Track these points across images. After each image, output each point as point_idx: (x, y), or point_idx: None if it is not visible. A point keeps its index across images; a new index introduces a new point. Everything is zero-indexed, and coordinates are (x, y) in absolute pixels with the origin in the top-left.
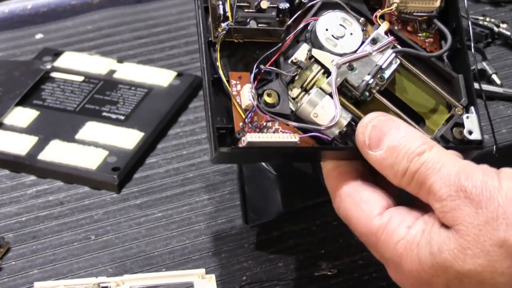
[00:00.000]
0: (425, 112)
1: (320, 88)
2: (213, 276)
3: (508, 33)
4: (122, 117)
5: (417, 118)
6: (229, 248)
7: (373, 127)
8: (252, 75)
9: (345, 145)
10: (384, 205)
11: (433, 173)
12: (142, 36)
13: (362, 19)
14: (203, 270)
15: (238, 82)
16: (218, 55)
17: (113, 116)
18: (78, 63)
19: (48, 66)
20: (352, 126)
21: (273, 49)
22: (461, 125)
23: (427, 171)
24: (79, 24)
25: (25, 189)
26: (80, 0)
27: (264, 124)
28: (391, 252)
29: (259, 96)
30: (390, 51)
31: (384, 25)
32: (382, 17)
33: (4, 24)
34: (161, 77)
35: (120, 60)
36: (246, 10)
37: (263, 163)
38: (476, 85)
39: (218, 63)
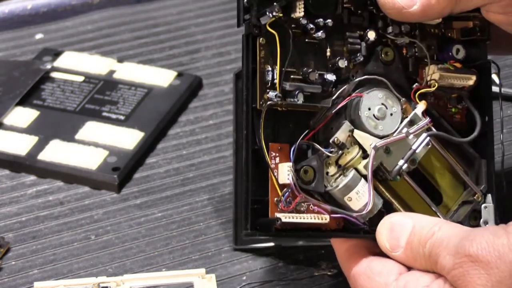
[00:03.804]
0: (443, 187)
1: (356, 169)
2: (213, 276)
3: None
4: (122, 117)
5: (435, 193)
6: (229, 248)
7: (388, 231)
8: (292, 152)
9: (371, 227)
10: (397, 272)
11: (442, 250)
12: (142, 36)
13: (403, 99)
14: (203, 270)
15: (277, 154)
16: (261, 125)
17: (113, 116)
18: (78, 63)
19: (48, 66)
20: (382, 212)
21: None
22: (478, 212)
23: (437, 250)
24: (79, 24)
25: (25, 189)
26: (80, 0)
27: (298, 200)
28: None
29: (296, 171)
30: (424, 134)
31: (422, 105)
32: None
33: (4, 24)
34: (161, 77)
35: (120, 60)
36: (292, 77)
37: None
38: (496, 89)
39: (261, 135)
